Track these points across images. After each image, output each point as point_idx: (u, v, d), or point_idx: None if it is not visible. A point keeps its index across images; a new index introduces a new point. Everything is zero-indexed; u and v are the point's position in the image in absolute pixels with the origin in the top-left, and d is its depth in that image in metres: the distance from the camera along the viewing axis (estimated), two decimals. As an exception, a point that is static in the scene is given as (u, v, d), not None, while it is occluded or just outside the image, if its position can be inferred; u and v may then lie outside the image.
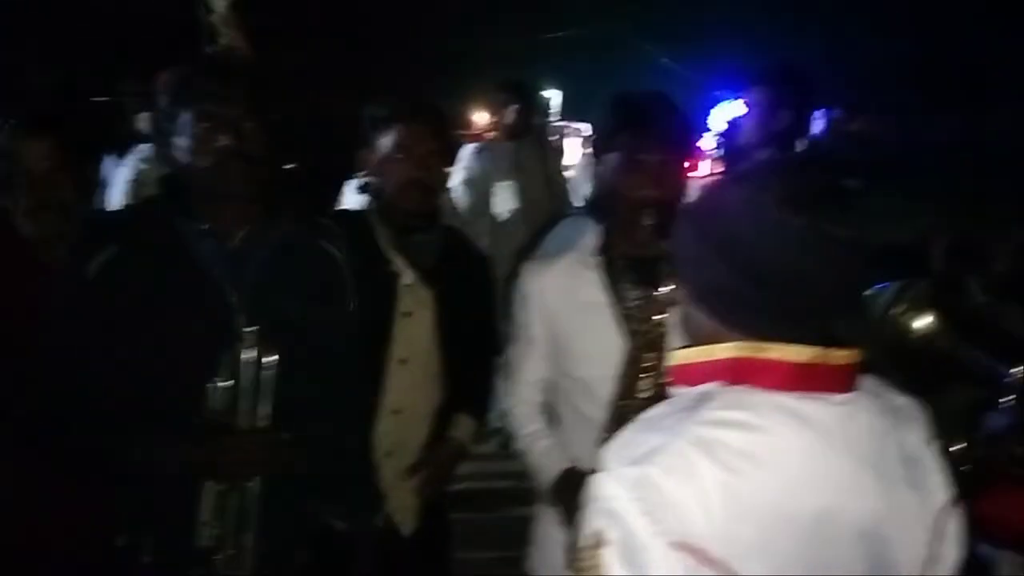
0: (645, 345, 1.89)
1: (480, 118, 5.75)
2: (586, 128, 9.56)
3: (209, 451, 1.76)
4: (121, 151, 4.04)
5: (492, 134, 4.98)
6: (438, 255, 2.41)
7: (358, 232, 2.30)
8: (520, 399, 2.19)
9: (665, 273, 1.86)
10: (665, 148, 1.96)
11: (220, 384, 1.80)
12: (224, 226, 1.88)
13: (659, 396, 1.86)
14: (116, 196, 3.66)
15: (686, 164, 2.03)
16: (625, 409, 1.90)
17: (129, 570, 1.84)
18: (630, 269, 2.02)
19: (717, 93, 7.79)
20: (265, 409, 1.83)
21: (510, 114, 4.86)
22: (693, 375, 1.19)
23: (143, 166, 3.65)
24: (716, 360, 1.16)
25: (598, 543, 1.08)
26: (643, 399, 1.89)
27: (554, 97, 8.60)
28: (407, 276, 2.35)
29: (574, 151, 8.77)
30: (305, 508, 1.99)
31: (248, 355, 1.81)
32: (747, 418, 1.11)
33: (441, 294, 2.37)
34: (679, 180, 1.99)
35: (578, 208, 4.51)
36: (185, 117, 1.82)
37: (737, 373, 1.15)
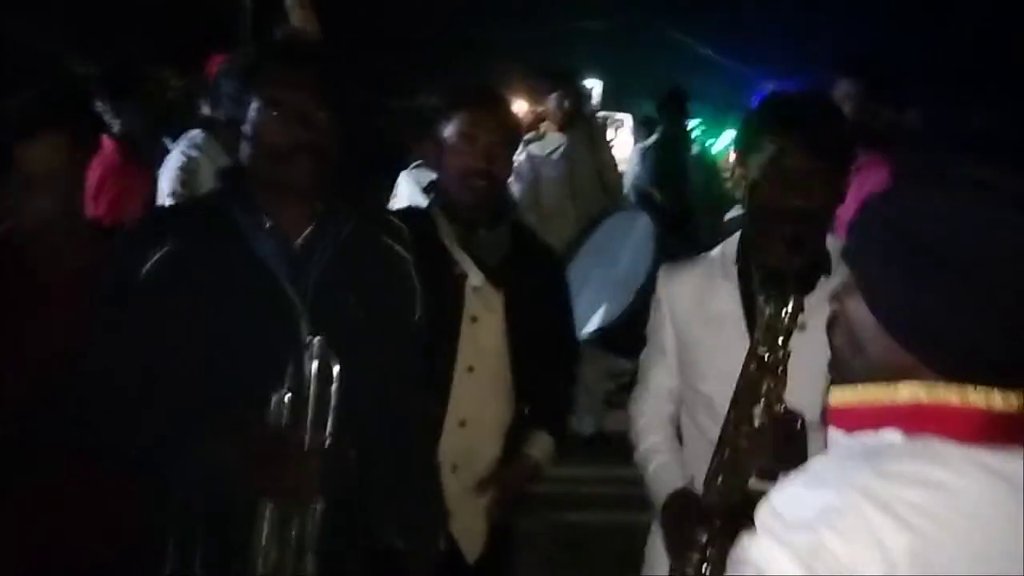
0: (765, 366, 1.70)
1: (519, 107, 5.56)
2: (628, 118, 9.36)
3: (273, 470, 1.60)
4: (171, 136, 3.88)
5: (543, 123, 4.80)
6: (506, 254, 2.24)
7: (420, 231, 2.14)
8: (644, 408, 2.05)
9: (798, 289, 1.69)
10: (814, 155, 1.75)
11: (283, 396, 1.64)
12: (288, 223, 1.72)
13: (772, 427, 1.70)
14: (164, 186, 3.49)
15: (839, 173, 1.82)
16: (734, 436, 1.73)
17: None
18: (765, 282, 1.83)
19: (759, 83, 7.57)
20: (330, 424, 1.66)
21: (559, 102, 4.67)
22: (861, 419, 1.01)
23: (193, 153, 3.48)
24: (897, 403, 0.98)
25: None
26: (754, 428, 1.71)
27: (595, 87, 8.39)
28: (475, 277, 2.19)
29: (622, 142, 8.58)
30: (367, 529, 1.83)
31: (313, 365, 1.64)
32: (943, 476, 0.93)
33: (510, 296, 2.21)
34: (829, 191, 1.80)
35: (631, 202, 4.32)
36: (254, 104, 1.67)
37: (921, 419, 0.97)
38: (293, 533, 1.64)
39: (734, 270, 1.91)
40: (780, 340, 1.70)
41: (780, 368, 1.71)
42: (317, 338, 1.64)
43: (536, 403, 2.29)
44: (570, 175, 4.57)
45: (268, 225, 1.70)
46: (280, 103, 1.65)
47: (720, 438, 1.76)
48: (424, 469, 1.95)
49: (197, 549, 1.66)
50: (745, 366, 1.74)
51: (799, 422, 1.75)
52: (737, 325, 1.86)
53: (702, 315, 1.91)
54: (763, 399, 1.69)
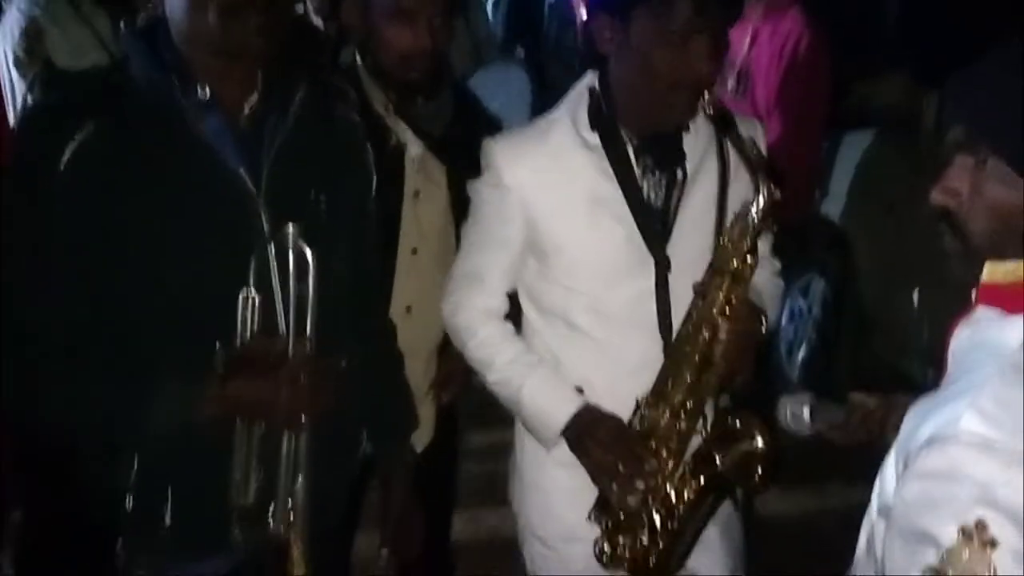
0: (730, 270, 1.58)
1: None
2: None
3: (258, 388, 1.37)
4: None
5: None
6: (447, 122, 2.01)
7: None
8: (483, 311, 1.78)
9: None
10: (705, 12, 1.54)
11: (250, 298, 1.40)
12: (230, 95, 1.43)
13: (738, 334, 1.59)
14: (2, 56, 2.91)
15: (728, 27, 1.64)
16: (690, 348, 1.61)
17: (144, 538, 1.45)
18: (645, 150, 1.67)
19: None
20: (309, 327, 1.43)
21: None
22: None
23: (34, 12, 2.90)
24: None
25: (981, 542, 0.83)
26: (716, 338, 1.59)
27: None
28: (414, 147, 1.96)
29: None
30: (351, 440, 1.65)
31: (287, 259, 1.39)
32: None
33: (454, 168, 1.99)
34: (723, 51, 1.63)
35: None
36: None
37: None
38: (283, 457, 1.43)
39: (593, 140, 1.67)
40: (748, 239, 1.58)
41: (748, 267, 1.60)
42: (290, 226, 1.40)
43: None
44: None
45: (207, 98, 1.40)
46: None
47: (669, 353, 1.64)
48: (392, 366, 1.77)
49: (164, 496, 1.43)
50: (715, 259, 1.61)
51: (763, 321, 1.67)
52: (615, 209, 1.66)
53: (566, 199, 1.66)
54: (725, 302, 1.58)
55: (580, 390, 1.71)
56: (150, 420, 1.37)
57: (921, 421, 0.93)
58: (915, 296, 3.34)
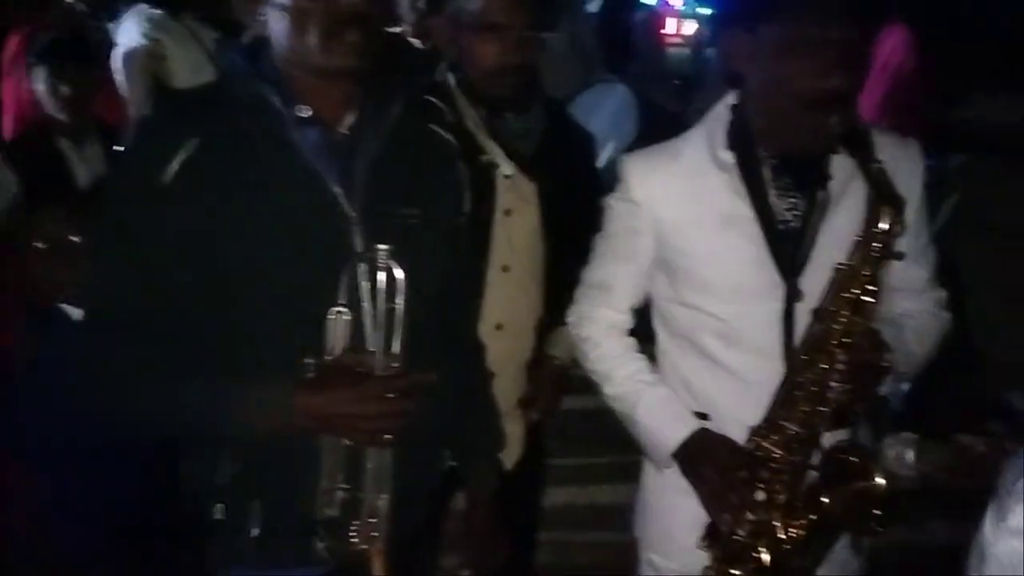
0: (860, 291, 1.49)
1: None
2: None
3: (347, 404, 1.38)
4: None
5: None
6: (538, 140, 2.00)
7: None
8: (606, 325, 1.75)
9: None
10: (853, 22, 1.48)
11: (340, 315, 1.41)
12: (328, 110, 1.44)
13: (860, 363, 1.50)
14: (125, 79, 3.03)
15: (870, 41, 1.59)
16: (808, 374, 1.52)
17: (232, 546, 1.47)
18: (783, 170, 1.60)
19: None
20: (397, 344, 1.42)
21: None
22: None
23: (158, 35, 3.01)
24: None
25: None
26: (836, 366, 1.50)
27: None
28: (506, 167, 1.95)
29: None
30: (434, 457, 1.64)
31: (377, 276, 1.40)
32: None
33: (545, 187, 1.99)
34: (865, 65, 1.56)
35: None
36: None
37: None
38: (368, 472, 1.44)
39: (729, 159, 1.62)
40: (870, 268, 1.50)
41: (869, 297, 1.51)
42: (382, 245, 1.40)
43: (563, 300, 2.10)
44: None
45: (306, 115, 1.42)
46: None
47: (784, 381, 1.56)
48: (480, 383, 1.76)
49: (253, 506, 1.44)
50: (835, 286, 1.52)
51: (887, 356, 1.54)
52: (746, 229, 1.60)
53: (700, 219, 1.62)
54: (845, 332, 1.49)
55: (703, 416, 1.67)
56: (241, 425, 1.39)
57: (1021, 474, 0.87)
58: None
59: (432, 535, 1.96)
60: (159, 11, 3.11)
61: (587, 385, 1.81)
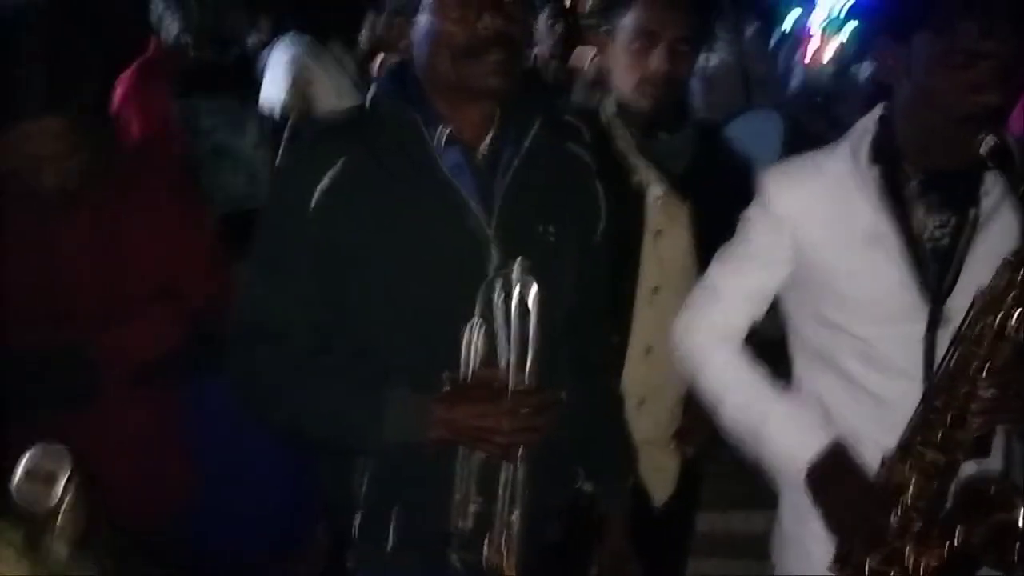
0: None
1: None
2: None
3: (475, 415, 1.40)
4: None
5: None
6: (690, 160, 1.97)
7: (592, 134, 1.88)
8: (722, 332, 1.67)
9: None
10: (1010, 35, 1.39)
11: (477, 329, 1.43)
12: (468, 129, 1.48)
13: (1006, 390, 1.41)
14: (273, 100, 3.23)
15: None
16: (948, 400, 1.44)
17: (370, 555, 1.51)
18: (931, 187, 1.51)
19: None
20: (530, 361, 1.43)
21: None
22: None
23: (307, 61, 3.21)
24: None
25: None
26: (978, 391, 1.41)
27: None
28: (656, 187, 1.93)
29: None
30: (566, 474, 1.63)
31: (512, 292, 1.42)
32: None
33: (697, 207, 1.95)
34: (1016, 84, 1.44)
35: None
36: None
37: None
38: (501, 486, 1.45)
39: (871, 176, 1.54)
40: (1015, 292, 1.39)
41: (1013, 324, 1.40)
42: (518, 262, 1.42)
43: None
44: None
45: (448, 134, 1.46)
46: None
47: (925, 400, 1.46)
48: (611, 404, 1.74)
49: (390, 515, 1.49)
50: (978, 310, 1.42)
51: None
52: (889, 249, 1.52)
53: (842, 235, 1.55)
54: (987, 358, 1.39)
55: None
56: (381, 433, 1.42)
57: None
58: None
59: (579, 557, 1.93)
60: (307, 37, 3.27)
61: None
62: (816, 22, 5.99)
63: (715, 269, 1.71)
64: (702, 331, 1.69)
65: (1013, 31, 1.41)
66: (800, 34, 5.90)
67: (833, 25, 5.78)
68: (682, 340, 1.72)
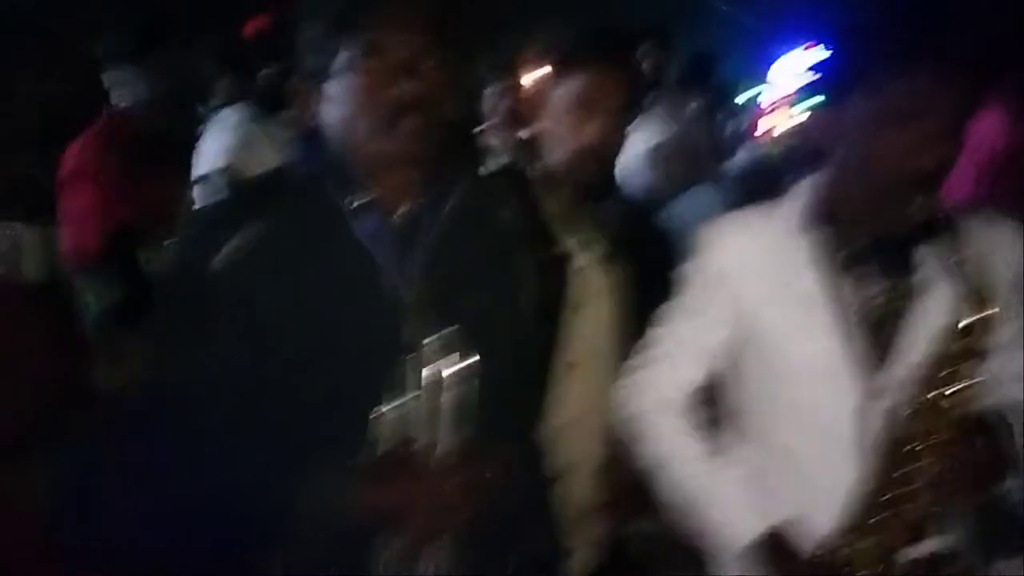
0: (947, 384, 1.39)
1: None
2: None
3: (403, 500, 1.33)
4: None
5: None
6: (615, 231, 1.95)
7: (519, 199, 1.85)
8: (666, 404, 1.62)
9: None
10: (950, 95, 1.34)
11: (395, 407, 1.36)
12: (387, 195, 1.42)
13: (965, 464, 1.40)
14: (214, 161, 3.13)
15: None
16: (890, 480, 1.42)
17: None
18: (867, 255, 1.48)
19: (780, 44, 7.22)
20: (452, 438, 1.38)
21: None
22: None
23: (252, 127, 3.12)
24: None
25: None
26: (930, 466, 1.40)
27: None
28: (580, 259, 1.90)
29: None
30: (501, 554, 1.56)
31: (439, 366, 1.37)
32: None
33: (621, 282, 1.92)
34: (955, 144, 1.41)
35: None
36: (344, 52, 1.36)
37: None
38: (426, 569, 1.37)
39: (807, 241, 1.50)
40: (949, 367, 1.40)
41: (949, 399, 1.40)
42: (440, 334, 1.36)
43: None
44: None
45: (364, 200, 1.40)
46: (384, 49, 1.34)
47: (862, 479, 1.44)
48: (539, 478, 1.68)
49: None
50: (915, 384, 1.41)
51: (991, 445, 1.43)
52: (822, 317, 1.48)
53: (779, 293, 1.51)
54: (927, 433, 1.38)
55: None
56: (299, 509, 1.33)
57: None
58: None
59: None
60: (254, 105, 3.20)
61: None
62: (769, 98, 6.12)
63: (655, 332, 1.67)
64: (645, 395, 1.65)
65: (949, 92, 1.36)
66: (752, 109, 6.01)
67: (788, 101, 5.90)
68: (625, 406, 1.67)
